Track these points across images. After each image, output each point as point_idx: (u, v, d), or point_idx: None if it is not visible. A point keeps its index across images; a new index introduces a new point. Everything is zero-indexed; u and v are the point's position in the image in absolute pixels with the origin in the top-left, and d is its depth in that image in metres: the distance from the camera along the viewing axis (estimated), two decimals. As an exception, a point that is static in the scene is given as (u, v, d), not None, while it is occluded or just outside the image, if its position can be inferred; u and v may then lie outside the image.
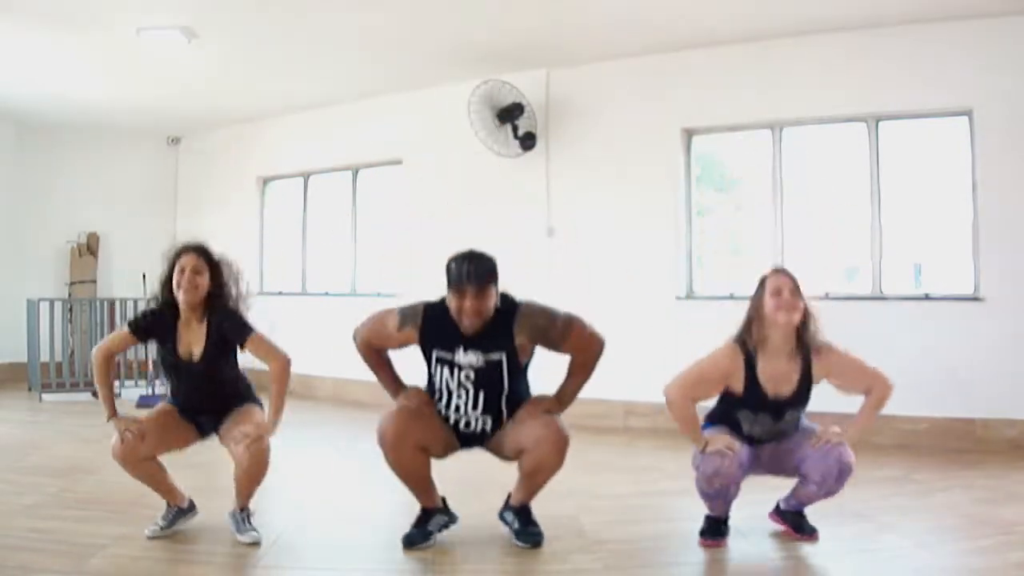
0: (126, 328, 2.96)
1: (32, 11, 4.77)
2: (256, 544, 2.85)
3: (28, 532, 2.95)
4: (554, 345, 2.84)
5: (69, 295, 7.74)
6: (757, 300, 2.85)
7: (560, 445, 2.76)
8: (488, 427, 2.89)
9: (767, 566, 2.76)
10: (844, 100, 5.04)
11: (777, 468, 2.95)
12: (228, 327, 2.93)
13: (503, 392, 2.84)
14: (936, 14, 4.66)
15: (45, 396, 6.70)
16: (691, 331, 5.24)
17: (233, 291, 3.01)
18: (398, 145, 6.66)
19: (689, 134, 5.62)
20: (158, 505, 3.02)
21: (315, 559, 2.81)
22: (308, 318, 7.12)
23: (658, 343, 5.38)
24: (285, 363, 2.96)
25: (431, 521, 2.92)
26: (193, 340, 2.93)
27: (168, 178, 8.37)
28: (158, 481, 2.95)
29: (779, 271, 2.91)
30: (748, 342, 2.84)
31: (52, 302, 7.02)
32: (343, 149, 7.07)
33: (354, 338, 3.03)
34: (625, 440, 5.11)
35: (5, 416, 5.89)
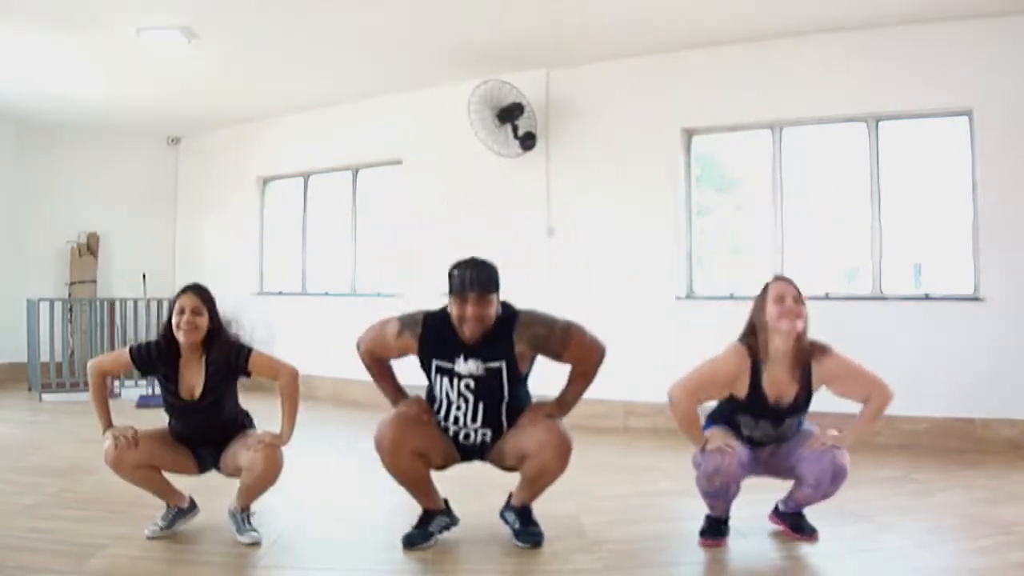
0: (127, 354, 2.95)
1: (32, 11, 4.77)
2: (256, 544, 2.85)
3: (28, 532, 2.95)
4: (554, 354, 2.84)
5: (69, 295, 7.74)
6: (759, 307, 2.85)
7: (563, 450, 2.76)
8: (488, 439, 2.88)
9: (767, 566, 2.76)
10: (844, 100, 5.04)
11: (775, 469, 2.96)
12: (226, 356, 2.91)
13: (503, 401, 2.83)
14: (936, 14, 4.66)
15: (45, 396, 6.71)
16: (691, 331, 5.27)
17: (232, 333, 3.00)
18: (398, 145, 6.66)
19: (689, 134, 5.62)
20: (158, 505, 3.02)
21: (315, 559, 2.81)
22: (308, 318, 7.13)
23: (658, 343, 5.38)
24: (293, 375, 2.95)
25: (432, 522, 2.92)
26: (194, 380, 2.92)
27: (168, 178, 8.37)
28: (154, 485, 2.95)
29: (781, 278, 2.91)
30: (753, 347, 2.84)
31: (52, 302, 7.02)
32: (343, 149, 7.07)
33: (357, 347, 3.03)
34: (625, 440, 5.11)
35: (5, 416, 5.89)
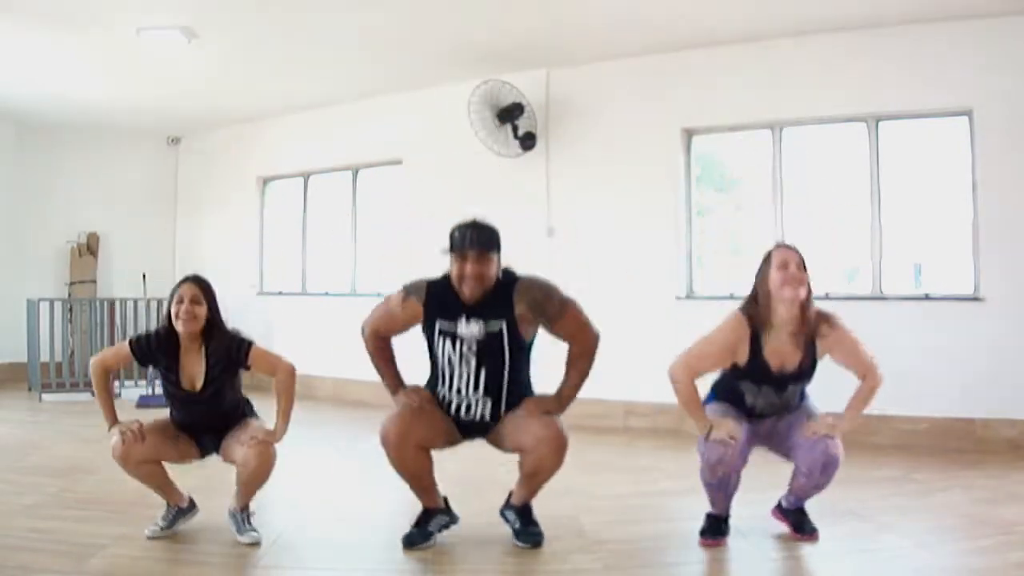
0: (127, 346, 2.95)
1: (32, 11, 4.77)
2: (256, 544, 2.85)
3: (28, 532, 2.95)
4: (549, 322, 2.84)
5: (69, 295, 7.74)
6: (762, 275, 2.84)
7: (559, 446, 2.75)
8: (488, 412, 2.86)
9: (767, 566, 2.76)
10: (844, 100, 5.04)
11: (774, 445, 2.94)
12: (226, 348, 2.92)
13: (504, 368, 2.82)
14: (936, 14, 4.66)
15: (45, 396, 6.71)
16: (691, 331, 5.23)
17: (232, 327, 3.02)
18: (398, 145, 6.66)
19: (689, 134, 5.62)
20: (158, 505, 3.02)
21: (315, 559, 2.81)
22: (308, 318, 7.13)
23: (658, 343, 5.32)
24: (291, 372, 2.96)
25: (432, 521, 2.92)
26: (195, 370, 2.92)
27: (168, 178, 8.37)
28: (157, 481, 2.95)
29: (784, 245, 2.89)
30: (754, 316, 2.83)
31: (52, 302, 7.02)
32: (343, 149, 7.07)
33: (362, 331, 3.03)
34: (625, 440, 5.11)
35: (5, 416, 5.89)
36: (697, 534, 2.93)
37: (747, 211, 5.84)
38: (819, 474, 2.78)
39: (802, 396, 2.96)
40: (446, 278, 2.85)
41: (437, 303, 2.85)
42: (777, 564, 2.76)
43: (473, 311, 2.80)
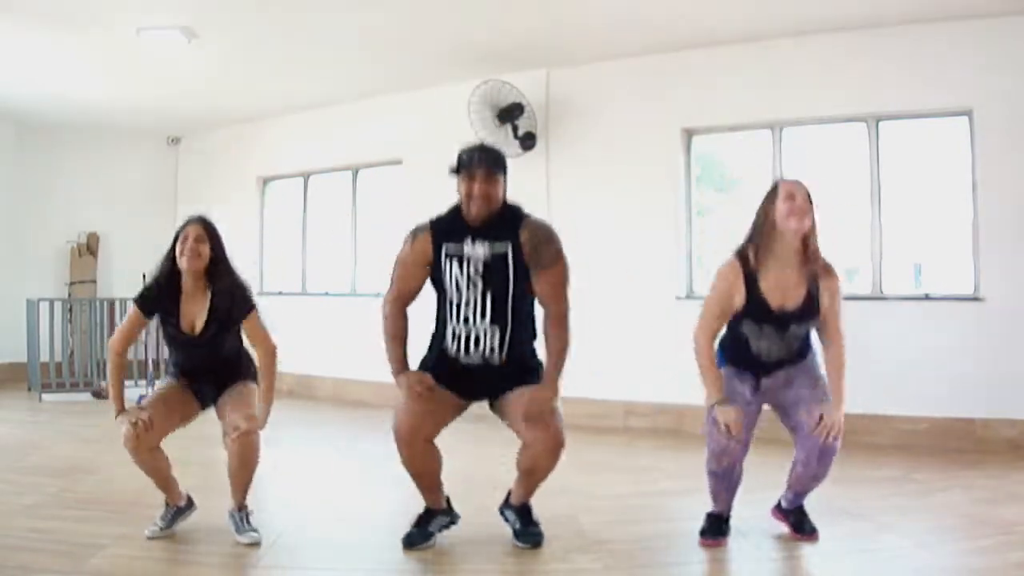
0: (133, 307, 2.97)
1: (32, 11, 4.77)
2: (256, 544, 2.85)
3: (28, 532, 2.95)
4: (540, 265, 2.81)
5: (69, 295, 7.74)
6: (767, 205, 2.83)
7: (555, 446, 2.74)
8: (496, 344, 2.81)
9: (767, 566, 2.76)
10: (844, 100, 5.04)
11: (779, 413, 2.91)
12: (233, 300, 2.94)
13: (509, 294, 2.80)
14: (936, 14, 4.66)
15: (45, 396, 6.71)
16: (691, 331, 5.26)
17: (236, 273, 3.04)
18: (398, 145, 6.66)
19: (689, 134, 5.62)
20: (157, 505, 3.02)
21: (315, 559, 2.81)
22: (308, 318, 7.12)
23: (658, 343, 5.38)
24: (273, 350, 3.00)
25: (433, 522, 2.93)
26: (196, 313, 2.94)
27: (168, 178, 8.37)
28: (163, 475, 2.95)
29: (792, 180, 2.86)
30: (749, 255, 2.82)
31: (52, 302, 7.03)
32: (343, 149, 7.07)
33: (383, 306, 3.01)
34: (625, 440, 5.11)
35: (5, 416, 5.88)
36: (697, 534, 2.93)
37: (747, 211, 5.81)
38: (816, 463, 2.77)
39: (806, 346, 2.90)
40: (451, 210, 2.89)
41: (443, 229, 2.88)
42: (777, 564, 2.77)
43: (479, 233, 2.82)
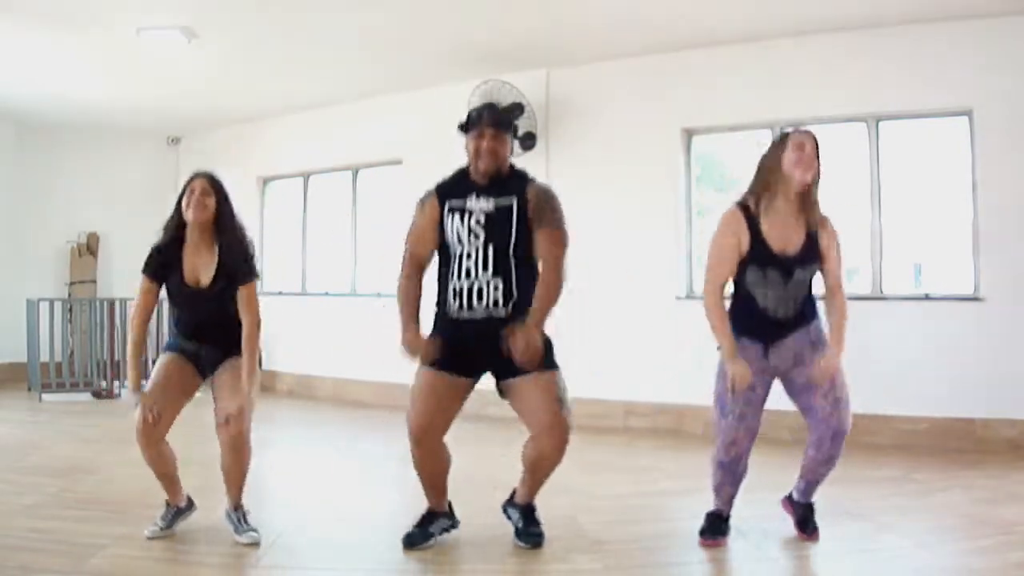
0: (142, 277, 2.97)
1: (32, 11, 4.77)
2: (256, 544, 2.86)
3: (28, 532, 2.95)
4: (541, 222, 2.80)
5: (69, 295, 7.74)
6: (776, 152, 2.83)
7: (561, 436, 2.73)
8: (501, 298, 2.77)
9: (767, 566, 2.76)
10: (844, 100, 5.04)
11: (791, 392, 2.89)
12: (238, 255, 2.96)
13: (511, 245, 2.79)
14: (936, 14, 4.66)
15: (45, 396, 6.71)
16: (691, 331, 5.26)
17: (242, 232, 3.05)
18: (398, 145, 6.66)
19: (689, 134, 5.63)
20: (157, 505, 3.02)
21: (315, 559, 2.81)
22: (308, 318, 7.13)
23: (658, 343, 5.38)
24: (260, 323, 2.99)
25: (434, 523, 2.93)
26: (201, 266, 2.94)
27: (168, 178, 8.33)
28: (168, 472, 2.96)
29: (804, 129, 2.87)
30: (750, 203, 2.84)
31: (52, 302, 7.03)
32: (343, 149, 7.07)
33: (398, 280, 2.98)
34: (625, 440, 5.11)
35: (5, 416, 5.89)
36: (697, 534, 2.93)
37: (747, 211, 5.83)
38: (829, 444, 2.78)
39: (811, 307, 2.89)
40: (456, 172, 2.93)
41: (448, 188, 2.92)
42: (777, 564, 2.77)
43: (484, 190, 2.84)
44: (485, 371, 2.86)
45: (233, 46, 5.54)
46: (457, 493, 3.07)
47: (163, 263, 2.95)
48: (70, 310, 7.35)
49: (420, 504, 2.97)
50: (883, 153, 5.04)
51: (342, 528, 3.20)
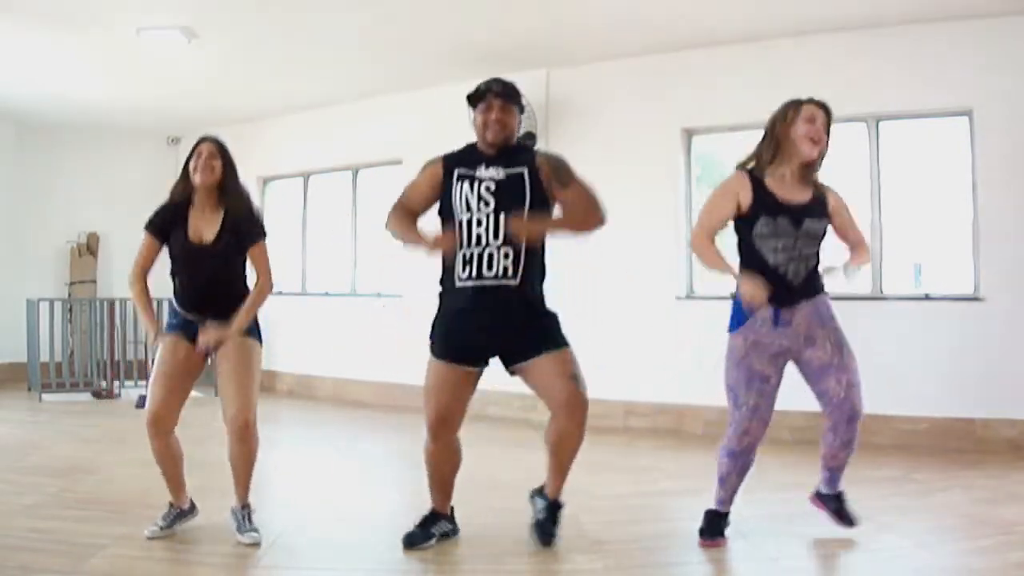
0: (145, 234, 3.00)
1: (32, 11, 4.77)
2: (256, 544, 2.85)
3: (28, 532, 2.95)
4: (561, 182, 2.85)
5: (69, 295, 7.74)
6: (788, 120, 2.80)
7: (579, 411, 2.77)
8: (511, 267, 2.75)
9: (767, 566, 2.76)
10: (844, 100, 4.99)
11: (805, 375, 2.85)
12: (245, 222, 2.97)
13: (523, 212, 2.76)
14: (936, 14, 4.66)
15: (45, 396, 6.71)
16: (691, 331, 5.27)
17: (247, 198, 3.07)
18: (398, 145, 6.65)
19: (689, 134, 5.63)
20: (158, 505, 3.02)
21: (315, 559, 2.81)
22: (308, 318, 7.13)
23: (658, 343, 5.38)
24: (271, 285, 3.01)
25: (436, 525, 2.93)
26: (205, 226, 2.96)
27: (168, 178, 8.06)
28: (175, 469, 2.96)
29: (818, 101, 2.84)
30: (755, 164, 2.84)
31: (52, 302, 7.03)
32: (343, 149, 7.07)
33: (386, 222, 3.03)
34: (625, 440, 5.10)
35: (5, 416, 5.89)
36: (697, 534, 2.93)
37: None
38: (845, 426, 2.77)
39: (819, 276, 2.87)
40: (464, 146, 2.92)
41: (456, 158, 2.90)
42: (777, 564, 2.76)
43: (493, 160, 2.83)
44: (494, 356, 2.84)
45: (233, 46, 5.54)
46: (457, 493, 3.06)
47: (168, 220, 2.98)
48: (70, 310, 7.36)
49: (420, 504, 2.97)
50: (883, 153, 5.04)
51: (342, 528, 3.20)
